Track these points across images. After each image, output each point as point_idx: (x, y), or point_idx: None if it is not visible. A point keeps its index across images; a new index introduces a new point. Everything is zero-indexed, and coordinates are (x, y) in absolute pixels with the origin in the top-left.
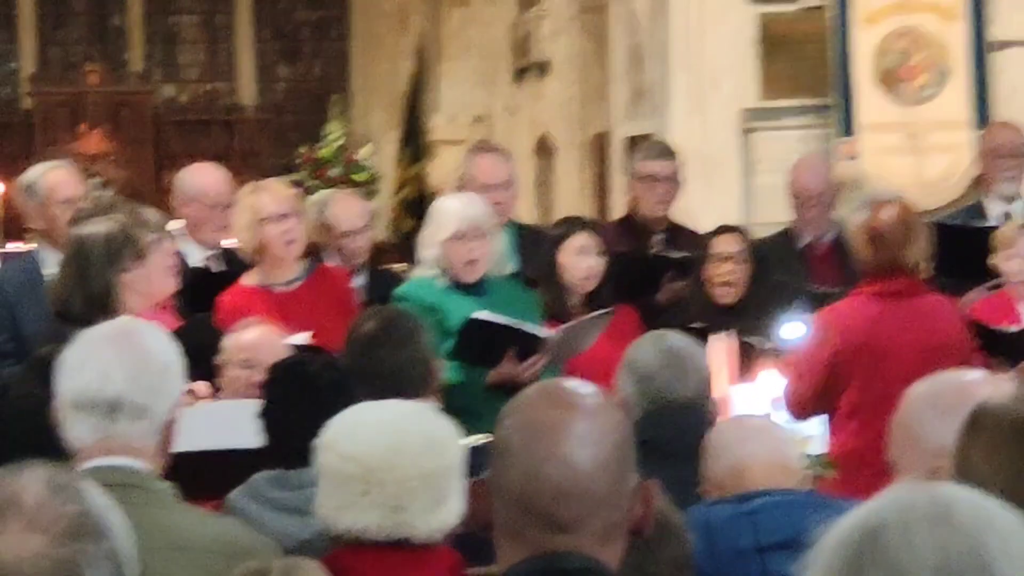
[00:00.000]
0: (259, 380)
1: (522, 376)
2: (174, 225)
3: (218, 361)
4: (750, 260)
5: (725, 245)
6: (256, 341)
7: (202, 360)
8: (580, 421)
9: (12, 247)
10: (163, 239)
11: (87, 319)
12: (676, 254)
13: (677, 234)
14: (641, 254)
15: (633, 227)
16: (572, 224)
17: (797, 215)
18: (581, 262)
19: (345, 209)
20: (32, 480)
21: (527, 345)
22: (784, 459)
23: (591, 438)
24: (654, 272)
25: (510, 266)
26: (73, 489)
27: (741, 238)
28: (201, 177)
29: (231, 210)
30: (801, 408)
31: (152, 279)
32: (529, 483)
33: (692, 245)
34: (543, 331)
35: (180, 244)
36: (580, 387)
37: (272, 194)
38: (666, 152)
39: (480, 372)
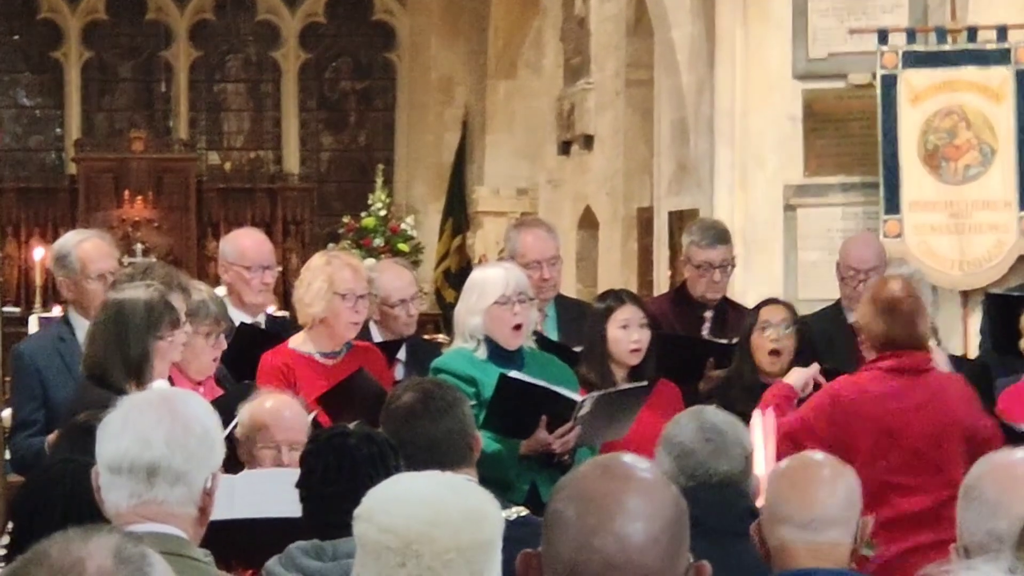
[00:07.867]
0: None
1: (554, 445)
2: (219, 291)
3: (238, 434)
4: (795, 332)
5: (771, 314)
6: (273, 418)
7: None
8: (634, 495)
9: (50, 313)
10: (219, 333)
11: (121, 384)
12: (721, 340)
13: (727, 311)
14: (686, 338)
15: (685, 302)
16: (617, 297)
17: (846, 291)
18: (628, 335)
19: (395, 278)
20: (100, 548)
21: (560, 411)
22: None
23: (644, 513)
24: (698, 357)
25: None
26: (140, 563)
27: (787, 308)
28: (240, 240)
29: (270, 272)
30: None
31: (198, 359)
32: (579, 555)
33: (741, 322)
34: (576, 395)
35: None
36: (638, 462)
37: (355, 272)
38: (721, 237)
39: (513, 444)
